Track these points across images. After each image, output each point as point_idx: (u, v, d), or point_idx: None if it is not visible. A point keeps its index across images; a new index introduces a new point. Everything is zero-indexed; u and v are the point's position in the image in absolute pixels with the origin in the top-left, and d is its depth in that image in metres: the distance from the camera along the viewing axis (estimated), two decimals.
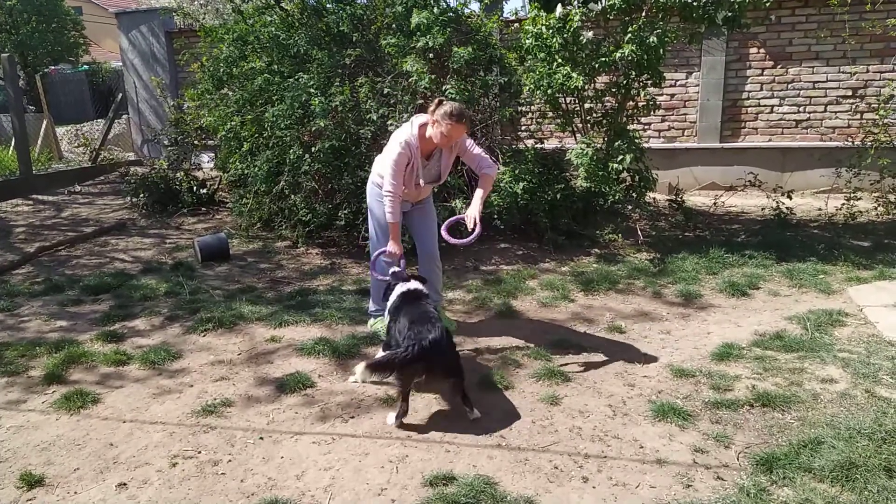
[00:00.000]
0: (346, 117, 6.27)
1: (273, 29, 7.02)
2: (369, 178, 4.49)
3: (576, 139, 6.89)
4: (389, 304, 3.89)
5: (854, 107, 8.95)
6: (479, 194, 4.17)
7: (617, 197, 6.33)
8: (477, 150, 4.25)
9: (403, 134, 4.08)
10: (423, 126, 4.08)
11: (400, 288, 3.89)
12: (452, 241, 4.22)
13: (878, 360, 3.95)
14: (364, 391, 3.78)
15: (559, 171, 6.87)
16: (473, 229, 4.07)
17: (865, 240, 6.72)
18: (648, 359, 4.18)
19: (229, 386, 3.90)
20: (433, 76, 6.06)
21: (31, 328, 4.87)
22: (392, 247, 4.18)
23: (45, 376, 4.00)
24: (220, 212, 8.58)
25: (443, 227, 4.26)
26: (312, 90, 6.19)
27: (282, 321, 4.81)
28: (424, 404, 3.62)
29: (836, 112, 9.07)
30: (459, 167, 6.57)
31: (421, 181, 4.19)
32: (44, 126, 12.69)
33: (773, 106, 9.27)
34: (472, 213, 4.10)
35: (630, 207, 6.88)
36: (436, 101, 4.05)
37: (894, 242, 6.54)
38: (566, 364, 4.10)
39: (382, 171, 4.18)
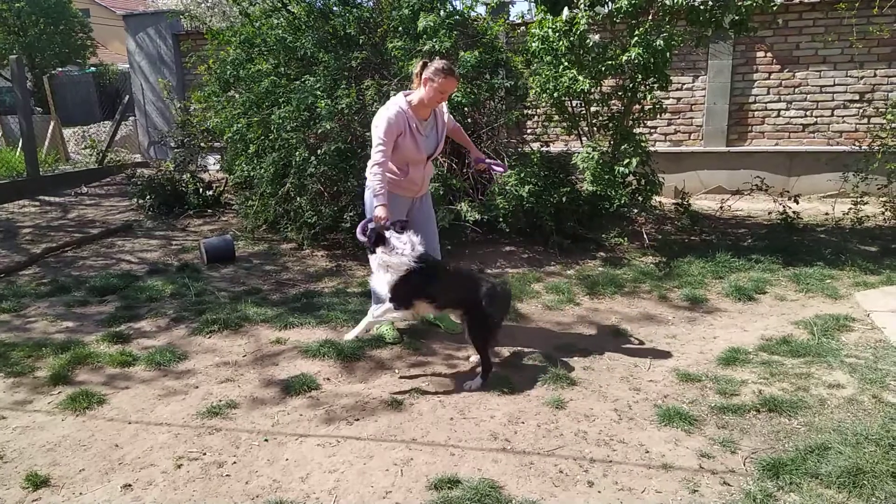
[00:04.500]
0: (353, 120, 6.28)
1: (280, 31, 7.04)
2: (367, 184, 4.12)
3: (582, 142, 6.88)
4: None
5: (861, 111, 8.92)
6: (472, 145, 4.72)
7: (623, 200, 6.31)
8: None
9: (392, 103, 4.08)
10: (407, 95, 4.12)
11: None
12: (496, 167, 4.67)
13: (885, 366, 3.92)
14: (369, 394, 3.78)
15: (565, 175, 6.86)
16: (490, 166, 4.63)
17: (873, 244, 6.69)
18: (654, 363, 4.17)
19: (234, 387, 3.91)
20: None
21: (37, 329, 4.89)
22: (381, 211, 3.82)
23: (51, 377, 4.01)
24: (225, 214, 8.60)
25: (482, 162, 4.64)
26: (319, 93, 6.21)
27: (287, 323, 4.82)
28: (430, 407, 3.62)
29: (843, 116, 9.04)
30: (458, 166, 6.58)
31: (423, 152, 4.16)
32: (51, 127, 12.77)
33: (779, 110, 9.25)
34: (480, 156, 4.62)
35: (636, 211, 6.86)
36: (420, 63, 4.09)
37: None
38: (571, 368, 4.09)
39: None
